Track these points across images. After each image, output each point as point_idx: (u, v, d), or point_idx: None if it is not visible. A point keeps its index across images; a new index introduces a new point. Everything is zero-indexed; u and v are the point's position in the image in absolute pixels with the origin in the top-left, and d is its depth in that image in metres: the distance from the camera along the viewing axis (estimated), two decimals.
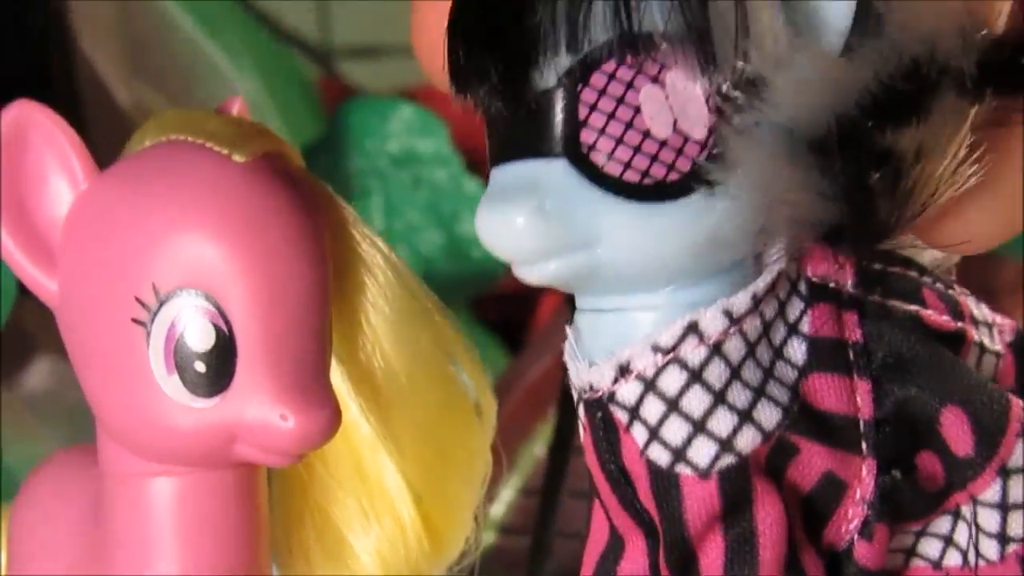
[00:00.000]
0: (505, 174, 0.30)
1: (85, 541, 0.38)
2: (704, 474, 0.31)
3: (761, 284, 0.31)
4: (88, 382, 0.36)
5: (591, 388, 0.31)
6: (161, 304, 0.34)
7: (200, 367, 0.34)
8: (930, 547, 0.33)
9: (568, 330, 0.33)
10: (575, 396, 0.32)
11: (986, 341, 0.34)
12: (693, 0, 0.28)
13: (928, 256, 0.34)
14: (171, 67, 0.94)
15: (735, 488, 0.31)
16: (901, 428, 0.31)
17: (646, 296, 0.31)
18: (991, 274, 0.95)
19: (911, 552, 0.33)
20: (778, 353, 0.31)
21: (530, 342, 0.91)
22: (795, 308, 0.31)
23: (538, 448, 0.79)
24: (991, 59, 0.28)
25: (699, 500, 0.31)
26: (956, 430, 0.31)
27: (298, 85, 1.03)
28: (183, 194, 0.34)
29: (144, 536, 0.36)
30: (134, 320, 0.34)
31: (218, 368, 0.34)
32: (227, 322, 0.34)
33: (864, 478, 0.31)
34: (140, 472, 0.36)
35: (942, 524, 0.33)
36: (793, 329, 0.31)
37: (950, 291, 0.34)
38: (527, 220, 0.29)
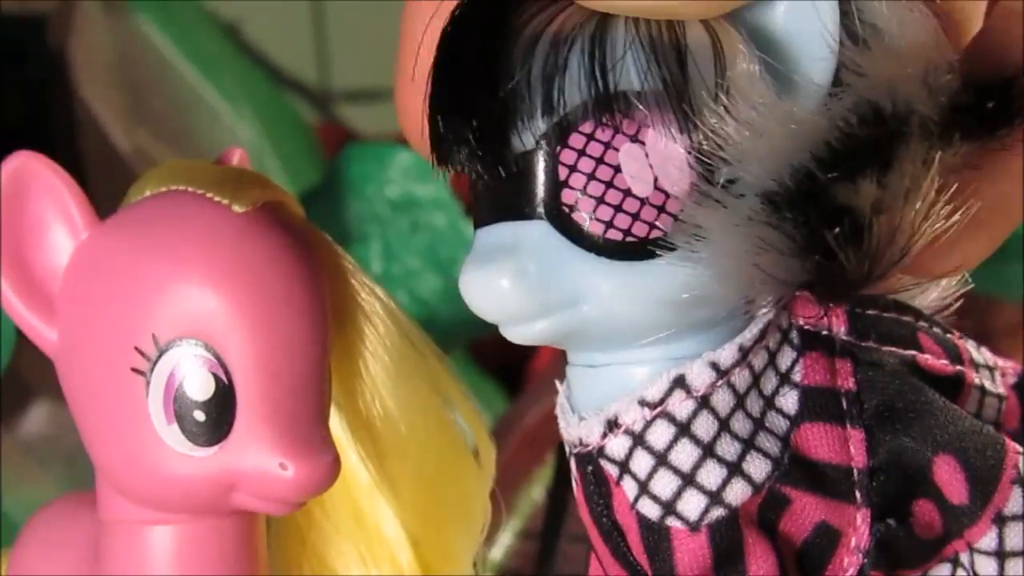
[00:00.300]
0: (488, 236, 0.30)
1: None
2: (694, 527, 0.31)
3: (748, 336, 0.31)
4: (87, 430, 0.36)
5: (581, 442, 0.31)
6: (161, 354, 0.34)
7: (199, 416, 0.34)
8: None
9: (559, 384, 0.33)
10: (567, 449, 0.32)
11: (987, 384, 0.34)
12: (670, 57, 0.28)
13: (925, 301, 0.34)
14: (171, 114, 0.95)
15: (726, 541, 0.30)
16: (896, 476, 0.31)
17: (633, 351, 0.31)
18: (989, 317, 0.95)
19: None
20: (769, 403, 0.31)
21: (528, 387, 0.91)
22: (787, 357, 0.31)
23: (537, 492, 0.79)
24: (957, 103, 0.28)
25: (690, 553, 0.31)
26: (949, 478, 0.31)
27: (297, 131, 1.04)
28: (183, 244, 0.34)
29: None
30: (134, 369, 0.34)
31: (217, 417, 0.34)
32: (226, 371, 0.34)
33: (859, 527, 0.31)
34: (139, 520, 0.36)
35: (941, 571, 0.33)
36: (785, 378, 0.31)
37: (948, 335, 0.34)
38: (511, 282, 0.29)
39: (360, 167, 0.90)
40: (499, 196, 0.30)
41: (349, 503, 0.39)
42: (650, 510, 0.31)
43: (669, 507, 0.31)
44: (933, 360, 0.33)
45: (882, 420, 0.31)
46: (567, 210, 0.29)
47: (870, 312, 0.32)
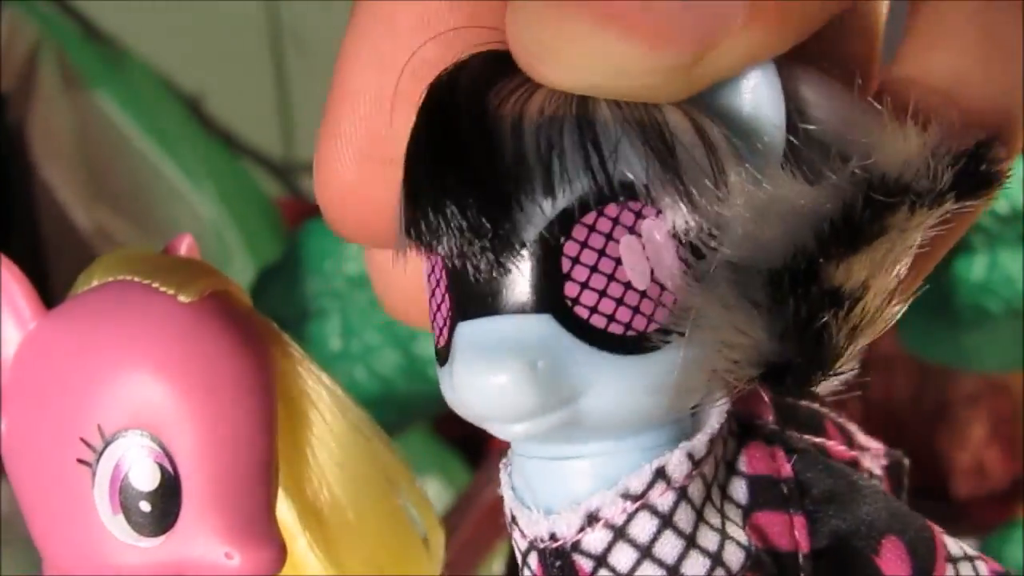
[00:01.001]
0: (482, 331, 0.29)
1: None
2: None
3: (716, 425, 0.31)
4: (34, 521, 0.36)
5: (551, 537, 0.30)
6: (106, 445, 0.34)
7: (145, 507, 0.34)
8: None
9: (504, 477, 0.32)
10: (522, 546, 0.31)
11: (871, 467, 0.34)
12: (660, 141, 0.28)
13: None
14: (130, 189, 0.95)
15: None
16: (836, 562, 0.31)
17: (611, 443, 0.30)
18: (951, 387, 0.95)
19: None
20: (724, 495, 0.31)
21: (490, 460, 0.91)
22: (730, 447, 0.31)
23: (498, 566, 0.79)
24: (957, 170, 0.28)
25: None
26: (895, 561, 0.31)
27: (259, 205, 1.04)
28: (129, 334, 0.34)
29: None
30: (79, 460, 0.34)
31: (163, 507, 0.34)
32: (172, 462, 0.34)
33: None
34: None
35: None
36: (731, 468, 0.31)
37: (839, 420, 0.34)
38: (518, 380, 0.28)
39: (320, 243, 0.90)
40: (490, 289, 0.29)
41: None
42: None
43: None
44: (837, 447, 0.33)
45: (823, 504, 0.31)
46: (570, 304, 0.28)
47: (788, 400, 0.33)
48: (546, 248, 0.28)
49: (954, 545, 0.32)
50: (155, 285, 0.35)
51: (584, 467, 0.31)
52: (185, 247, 0.38)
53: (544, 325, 0.28)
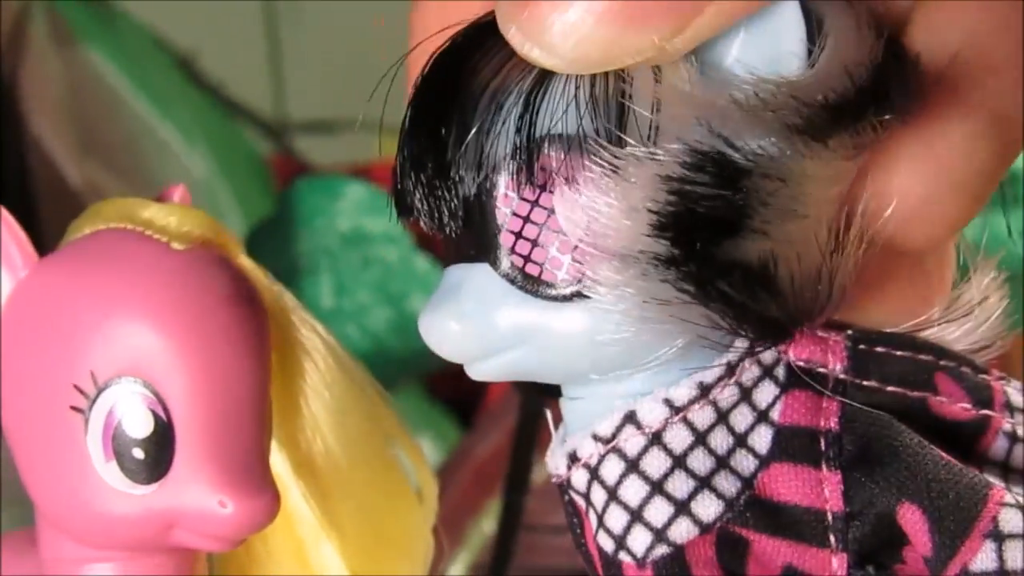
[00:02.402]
0: (447, 277, 0.31)
1: None
2: (640, 563, 0.31)
3: (709, 373, 0.31)
4: (26, 468, 0.36)
5: (555, 473, 0.32)
6: (99, 392, 0.34)
7: (138, 454, 0.34)
8: None
9: (550, 415, 0.33)
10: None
11: (1019, 430, 0.32)
12: (610, 105, 0.29)
13: (960, 341, 0.33)
14: (122, 145, 0.94)
15: None
16: (874, 523, 0.30)
17: (592, 387, 0.31)
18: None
19: None
20: (740, 441, 0.31)
21: (481, 419, 0.91)
22: (767, 394, 0.31)
23: (487, 525, 0.79)
24: (831, 104, 0.28)
25: None
26: (914, 528, 0.30)
27: (250, 162, 1.04)
28: (122, 282, 0.34)
29: None
30: (72, 407, 0.34)
31: (156, 455, 0.34)
32: (165, 409, 0.34)
33: (835, 572, 0.30)
34: (79, 558, 0.36)
35: None
36: (763, 416, 0.31)
37: (981, 376, 0.32)
38: (454, 324, 0.30)
39: (311, 200, 0.90)
40: (454, 240, 0.31)
41: (291, 540, 0.39)
42: (606, 543, 0.31)
43: (620, 541, 0.31)
44: (948, 403, 0.31)
45: (857, 463, 0.31)
46: (504, 252, 0.30)
47: (879, 350, 0.31)
48: (483, 201, 0.30)
49: (1016, 522, 0.30)
50: (148, 233, 0.35)
51: (577, 409, 0.32)
52: (178, 196, 0.38)
53: (482, 274, 0.30)
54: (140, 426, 0.34)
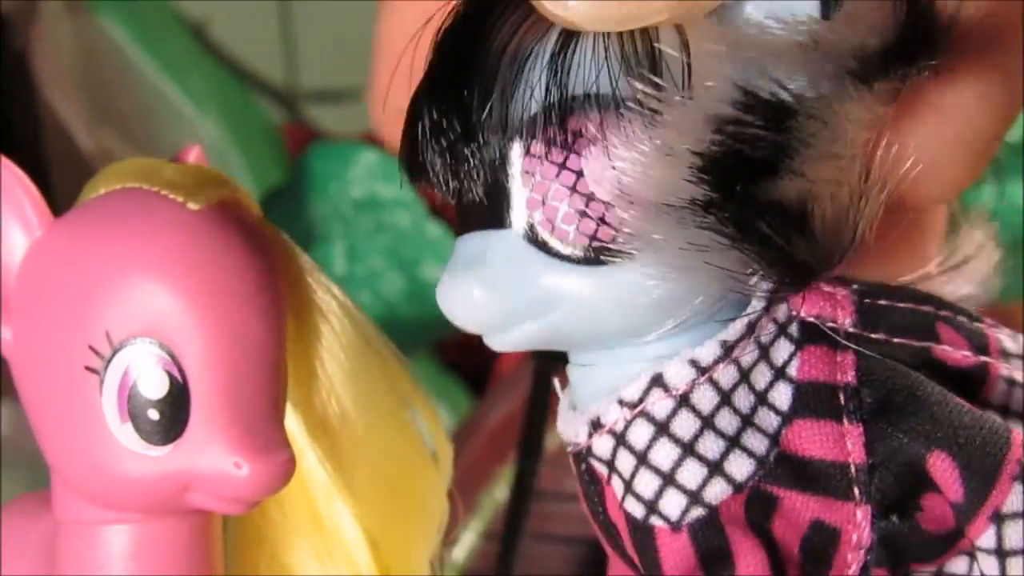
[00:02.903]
0: (463, 246, 0.31)
1: None
2: (675, 526, 0.31)
3: (731, 332, 0.31)
4: (42, 430, 0.36)
5: (572, 441, 0.32)
6: (115, 352, 0.34)
7: (154, 415, 0.34)
8: None
9: (558, 383, 0.33)
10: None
11: (1017, 376, 0.33)
12: (642, 64, 0.28)
13: (954, 293, 0.34)
14: (134, 113, 0.94)
15: (708, 540, 0.30)
16: (896, 472, 0.31)
17: (616, 351, 0.31)
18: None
19: None
20: (761, 399, 0.31)
21: (493, 387, 0.91)
22: (783, 351, 0.31)
23: (499, 492, 0.79)
24: (882, 49, 0.28)
25: (674, 552, 0.31)
26: (944, 475, 0.30)
27: (262, 130, 1.03)
28: (137, 242, 0.34)
29: None
30: (87, 368, 0.34)
31: (172, 416, 0.34)
32: (181, 370, 0.34)
33: (860, 524, 0.31)
34: (94, 520, 0.36)
35: (959, 564, 0.32)
36: (780, 373, 0.31)
37: (976, 324, 0.33)
38: (481, 292, 0.30)
39: (324, 166, 0.90)
40: (472, 206, 0.30)
41: (306, 503, 0.39)
42: (635, 509, 0.31)
43: (652, 506, 0.31)
44: (951, 351, 0.32)
45: (880, 415, 0.31)
46: (532, 218, 0.29)
47: (883, 303, 0.32)
48: (508, 166, 0.29)
49: None
50: (163, 192, 0.35)
51: (597, 375, 0.31)
52: (193, 156, 0.38)
53: (507, 240, 0.30)
54: (155, 387, 0.34)
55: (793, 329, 0.31)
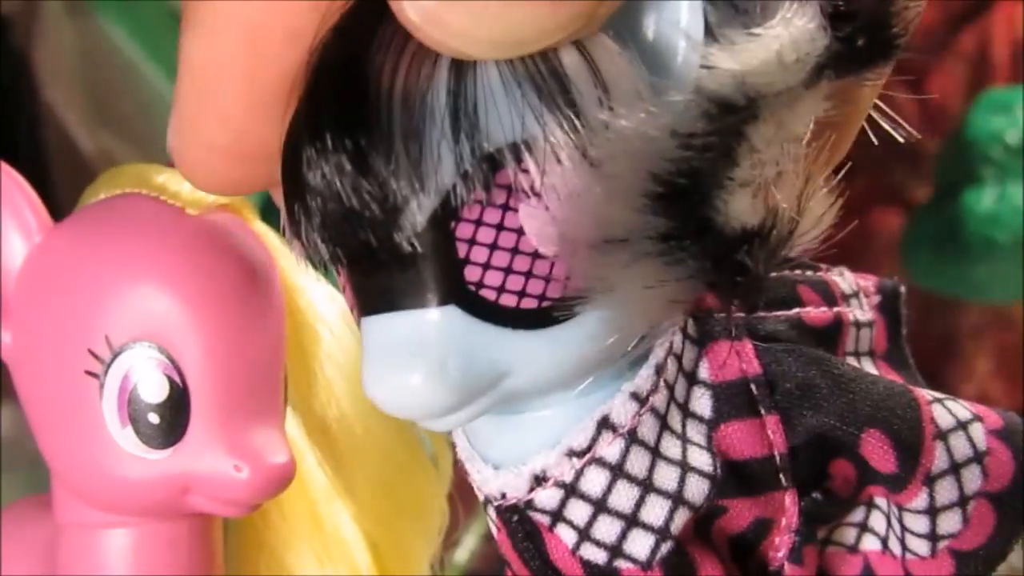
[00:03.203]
0: (384, 329, 0.27)
1: None
2: (646, 566, 0.29)
3: (661, 353, 0.29)
4: (42, 433, 0.36)
5: (503, 496, 0.29)
6: (115, 356, 0.34)
7: (154, 419, 0.34)
8: (844, 535, 0.32)
9: (457, 432, 0.30)
10: (480, 496, 0.30)
11: (858, 315, 0.32)
12: (555, 91, 0.25)
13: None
14: (135, 115, 0.94)
15: (678, 569, 0.29)
16: (813, 449, 0.30)
17: (554, 396, 0.28)
18: (956, 319, 0.95)
19: (825, 542, 0.32)
20: (686, 412, 0.29)
21: None
22: (690, 355, 0.30)
23: None
24: (831, 51, 0.26)
25: None
26: (878, 452, 0.30)
27: None
28: (136, 247, 0.34)
29: None
30: (87, 372, 0.34)
31: (172, 420, 0.34)
32: (181, 374, 0.34)
33: (788, 508, 0.30)
34: (94, 523, 0.36)
35: (855, 513, 0.32)
36: (693, 379, 0.30)
37: (818, 275, 0.32)
38: (427, 382, 0.26)
39: None
40: (386, 283, 0.26)
41: (306, 505, 0.39)
42: (595, 555, 0.29)
43: (616, 550, 0.29)
44: (815, 312, 0.31)
45: (799, 401, 0.30)
46: (474, 289, 0.26)
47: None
48: (436, 235, 0.25)
49: (944, 415, 0.31)
50: (163, 198, 0.35)
51: (530, 422, 0.29)
52: None
53: (450, 317, 0.26)
54: (155, 391, 0.34)
55: (691, 330, 0.30)
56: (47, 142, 0.91)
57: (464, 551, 0.74)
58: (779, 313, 0.31)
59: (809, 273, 0.32)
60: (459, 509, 0.41)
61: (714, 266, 0.26)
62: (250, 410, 0.35)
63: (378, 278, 0.26)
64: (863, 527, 0.32)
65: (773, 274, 0.28)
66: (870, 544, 0.32)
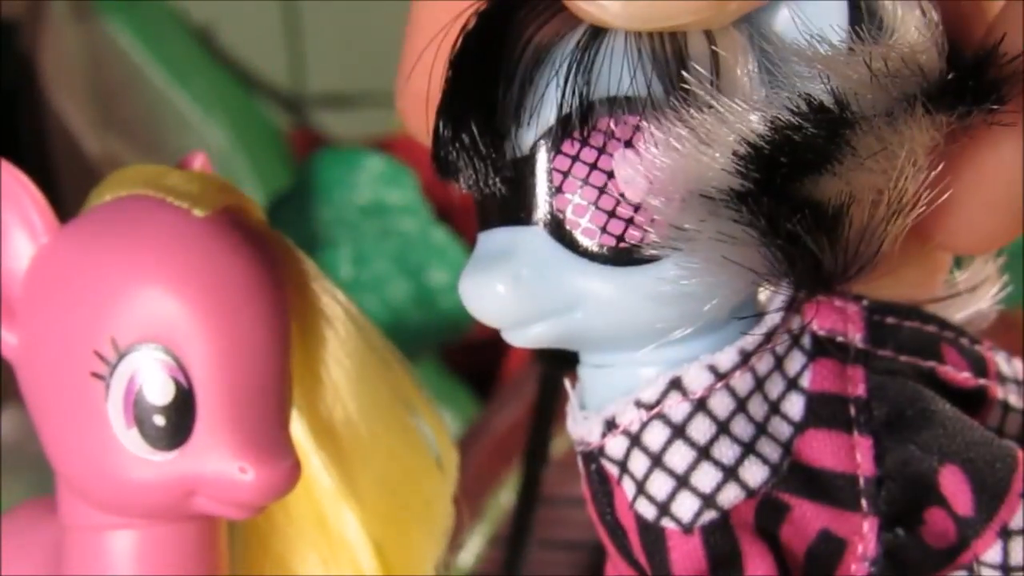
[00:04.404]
0: (486, 241, 0.31)
1: None
2: (687, 529, 0.31)
3: (750, 340, 0.31)
4: (47, 435, 0.36)
5: (583, 441, 0.32)
6: (120, 358, 0.34)
7: (159, 421, 0.34)
8: None
9: (568, 383, 0.33)
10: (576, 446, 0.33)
11: (1012, 399, 0.33)
12: (671, 66, 0.29)
13: (957, 313, 0.34)
14: (141, 118, 0.95)
15: (719, 543, 0.30)
16: (904, 485, 0.31)
17: (635, 354, 0.31)
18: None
19: None
20: (774, 408, 0.31)
21: (499, 392, 0.91)
22: (796, 363, 0.31)
23: (506, 498, 0.79)
24: (941, 83, 0.28)
25: (685, 555, 0.31)
26: (955, 489, 0.31)
27: (268, 135, 1.04)
28: (143, 248, 0.34)
29: None
30: (93, 374, 0.34)
31: (177, 422, 0.34)
32: (186, 376, 0.34)
33: (866, 535, 0.31)
34: (99, 525, 0.36)
35: None
36: (793, 384, 0.31)
37: (975, 347, 0.33)
38: (505, 288, 0.30)
39: (330, 172, 0.90)
40: (499, 202, 0.30)
41: (311, 507, 0.39)
42: (647, 510, 0.31)
43: (664, 508, 0.31)
44: (954, 372, 0.32)
45: (891, 428, 0.31)
46: (561, 216, 0.29)
47: (890, 320, 0.32)
48: (538, 163, 0.29)
49: None
50: (169, 199, 0.35)
51: (613, 376, 0.31)
52: (199, 164, 0.38)
53: (534, 237, 0.30)
54: (161, 393, 0.34)
55: (805, 342, 0.32)
56: (53, 144, 0.91)
57: (469, 554, 0.74)
58: (908, 358, 0.32)
59: (964, 341, 0.33)
60: (463, 512, 0.41)
61: (782, 241, 0.28)
62: (255, 411, 0.35)
63: (492, 198, 0.30)
64: None
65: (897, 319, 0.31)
66: None
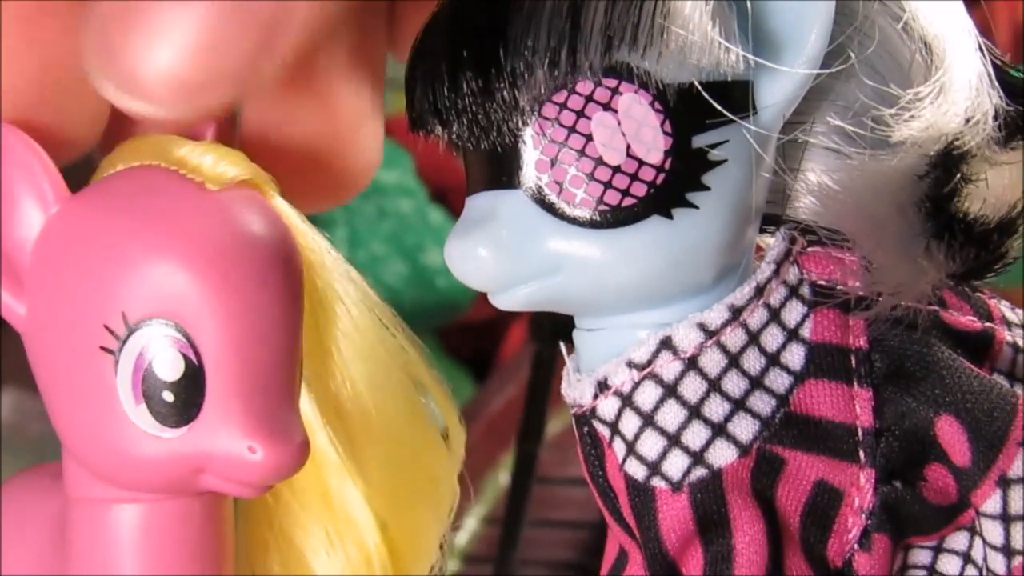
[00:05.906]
0: (472, 206, 0.31)
1: (46, 566, 0.38)
2: (676, 486, 0.31)
3: (739, 295, 0.31)
4: (55, 408, 0.36)
5: (576, 404, 0.32)
6: (130, 333, 0.34)
7: (168, 397, 0.34)
8: (948, 564, 0.33)
9: (565, 349, 0.34)
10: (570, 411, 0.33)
11: (1020, 340, 0.34)
12: (652, 26, 0.29)
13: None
14: None
15: (707, 502, 0.31)
16: (903, 438, 0.31)
17: (623, 316, 0.31)
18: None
19: (930, 570, 0.33)
20: (773, 360, 0.31)
21: (495, 373, 0.91)
22: (795, 313, 0.32)
23: (501, 478, 0.79)
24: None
25: (672, 513, 0.31)
26: (952, 439, 0.31)
27: None
28: (155, 222, 0.34)
29: (107, 562, 0.36)
30: (102, 348, 0.34)
31: (186, 398, 0.34)
32: (196, 352, 0.34)
33: (863, 487, 0.31)
34: (105, 498, 0.36)
35: (959, 540, 0.33)
36: (793, 334, 0.32)
37: (977, 294, 0.34)
38: (486, 251, 0.30)
39: None
40: (481, 167, 0.31)
41: (318, 485, 0.39)
42: (637, 470, 0.31)
43: (654, 467, 0.31)
44: (958, 316, 0.33)
45: (890, 380, 0.31)
46: (540, 179, 0.30)
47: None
48: (518, 126, 0.30)
49: None
50: (182, 172, 0.35)
51: (604, 339, 0.32)
52: (211, 134, 0.38)
53: (515, 200, 0.30)
54: (170, 369, 0.34)
55: (805, 291, 0.32)
56: None
57: (465, 533, 0.74)
58: (911, 303, 0.32)
59: (965, 288, 0.34)
60: (470, 490, 0.41)
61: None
62: (265, 390, 0.34)
63: (476, 164, 0.31)
64: (966, 557, 0.33)
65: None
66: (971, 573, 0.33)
